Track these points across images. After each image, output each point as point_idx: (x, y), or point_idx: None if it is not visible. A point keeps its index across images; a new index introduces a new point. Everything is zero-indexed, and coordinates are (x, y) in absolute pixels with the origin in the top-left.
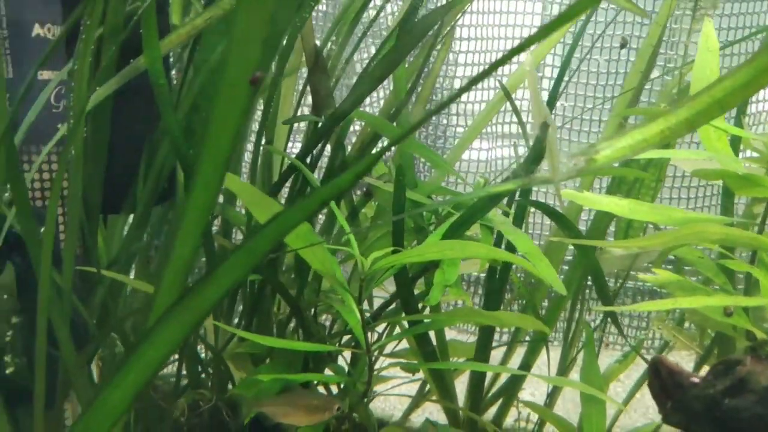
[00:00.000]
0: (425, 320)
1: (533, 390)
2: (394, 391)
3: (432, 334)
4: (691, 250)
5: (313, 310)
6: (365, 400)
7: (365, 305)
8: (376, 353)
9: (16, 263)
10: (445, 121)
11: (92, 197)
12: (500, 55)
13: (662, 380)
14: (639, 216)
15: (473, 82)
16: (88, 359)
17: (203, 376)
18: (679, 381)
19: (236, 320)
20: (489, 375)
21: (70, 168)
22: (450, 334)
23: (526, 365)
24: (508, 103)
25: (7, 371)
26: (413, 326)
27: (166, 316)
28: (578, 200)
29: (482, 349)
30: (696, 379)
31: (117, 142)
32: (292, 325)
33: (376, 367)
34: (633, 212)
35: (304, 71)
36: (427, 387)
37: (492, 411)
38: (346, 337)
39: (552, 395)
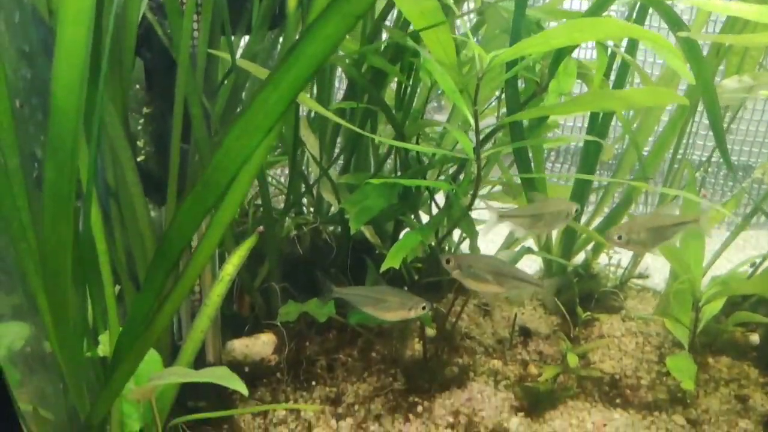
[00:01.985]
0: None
1: None
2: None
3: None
4: None
5: (415, 139)
6: (469, 211)
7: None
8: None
9: (145, 57)
10: None
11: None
12: None
13: None
14: None
15: None
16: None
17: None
18: None
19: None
20: (583, 220)
21: None
22: None
23: (627, 200)
24: None
25: (138, 159)
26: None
27: (329, 9)
28: (702, 5)
29: (579, 191)
30: None
31: None
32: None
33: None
34: (763, 15)
35: None
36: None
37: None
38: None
39: None
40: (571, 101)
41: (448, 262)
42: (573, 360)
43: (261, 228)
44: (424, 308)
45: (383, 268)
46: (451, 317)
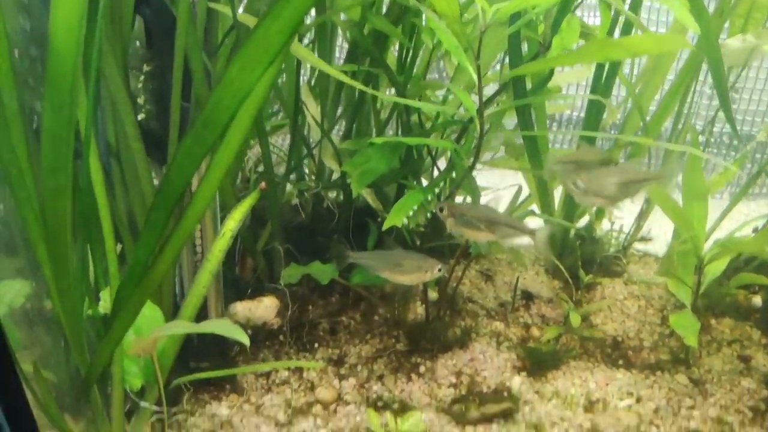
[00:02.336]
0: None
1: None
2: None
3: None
4: None
5: (418, 98)
6: (471, 171)
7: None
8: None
9: (145, 14)
10: None
11: None
12: None
13: None
14: None
15: None
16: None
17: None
18: None
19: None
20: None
21: None
22: None
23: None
24: None
25: (139, 117)
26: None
27: None
28: None
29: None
30: None
31: None
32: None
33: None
34: None
35: None
36: (523, 195)
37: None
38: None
39: (649, 202)
40: (575, 52)
41: (441, 210)
42: (575, 320)
43: (263, 184)
44: (439, 270)
45: (385, 226)
46: (453, 282)
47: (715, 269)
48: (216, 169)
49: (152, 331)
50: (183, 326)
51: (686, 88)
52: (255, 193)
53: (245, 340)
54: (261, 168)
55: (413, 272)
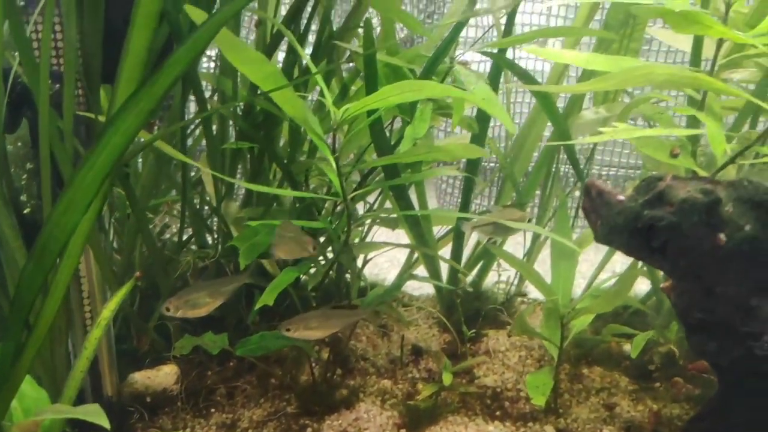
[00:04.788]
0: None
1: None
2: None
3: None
4: (652, 106)
5: (304, 176)
6: (346, 246)
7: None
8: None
9: (29, 117)
10: None
11: (93, 65)
12: None
13: (592, 200)
14: (595, 66)
15: None
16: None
17: (209, 239)
18: (607, 200)
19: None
20: (470, 244)
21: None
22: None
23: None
24: None
25: (25, 211)
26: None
27: (126, 105)
28: (540, 55)
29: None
30: (622, 197)
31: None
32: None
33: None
34: (590, 63)
35: None
36: (415, 256)
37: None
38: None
39: (529, 255)
40: (409, 151)
41: (168, 309)
42: (447, 378)
43: (138, 273)
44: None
45: (258, 305)
46: (347, 340)
47: (581, 323)
48: (57, 287)
49: (36, 412)
50: (57, 411)
51: (551, 158)
52: (128, 285)
53: (105, 424)
54: (168, 234)
55: (344, 320)
